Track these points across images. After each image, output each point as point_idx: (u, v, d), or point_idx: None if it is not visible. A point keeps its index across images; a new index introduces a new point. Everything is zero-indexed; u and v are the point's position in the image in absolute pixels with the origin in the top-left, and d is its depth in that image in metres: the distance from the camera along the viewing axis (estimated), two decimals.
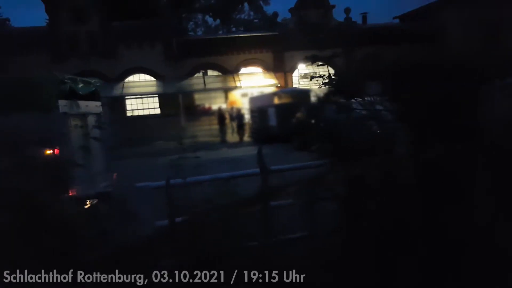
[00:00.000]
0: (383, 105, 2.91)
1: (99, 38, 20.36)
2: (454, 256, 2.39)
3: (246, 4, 32.53)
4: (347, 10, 22.83)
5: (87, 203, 3.12)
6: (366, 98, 2.70)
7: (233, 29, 32.42)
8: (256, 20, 32.76)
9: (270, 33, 22.57)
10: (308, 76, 22.81)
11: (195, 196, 2.80)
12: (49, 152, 4.03)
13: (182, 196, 2.82)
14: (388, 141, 2.84)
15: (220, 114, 19.12)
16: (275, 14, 24.85)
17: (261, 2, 32.09)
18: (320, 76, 3.12)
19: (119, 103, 20.40)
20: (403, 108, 2.72)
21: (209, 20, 33.12)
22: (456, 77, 2.71)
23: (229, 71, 21.96)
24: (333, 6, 22.74)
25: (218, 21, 32.79)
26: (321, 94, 2.94)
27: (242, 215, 2.68)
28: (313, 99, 16.99)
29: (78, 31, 20.11)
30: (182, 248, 2.43)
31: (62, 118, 4.66)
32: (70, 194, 3.18)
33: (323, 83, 3.05)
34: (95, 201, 3.14)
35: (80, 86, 5.44)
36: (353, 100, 2.73)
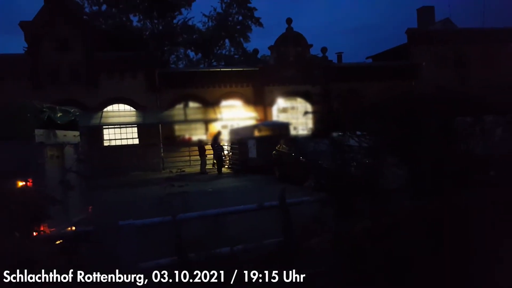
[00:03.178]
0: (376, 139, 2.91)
1: (80, 67, 20.15)
2: None
3: (227, 41, 33.34)
4: (324, 50, 23.86)
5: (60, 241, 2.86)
6: (360, 133, 2.70)
7: (214, 63, 32.94)
8: (236, 56, 33.49)
9: (250, 68, 23.07)
10: (288, 111, 23.24)
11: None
12: (21, 183, 3.75)
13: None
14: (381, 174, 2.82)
15: (200, 145, 18.96)
16: (255, 51, 25.62)
17: (241, 39, 32.98)
18: (314, 112, 3.13)
19: (96, 132, 19.94)
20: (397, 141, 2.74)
21: (191, 54, 33.62)
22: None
23: (210, 103, 22.06)
24: (311, 45, 23.71)
25: (199, 55, 33.31)
26: (315, 129, 2.92)
27: None
28: (292, 132, 17.26)
29: (58, 60, 19.86)
30: None
31: (38, 148, 4.40)
32: (42, 230, 2.92)
33: (318, 118, 3.04)
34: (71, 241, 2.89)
35: (58, 115, 5.23)
36: (348, 135, 2.71)
